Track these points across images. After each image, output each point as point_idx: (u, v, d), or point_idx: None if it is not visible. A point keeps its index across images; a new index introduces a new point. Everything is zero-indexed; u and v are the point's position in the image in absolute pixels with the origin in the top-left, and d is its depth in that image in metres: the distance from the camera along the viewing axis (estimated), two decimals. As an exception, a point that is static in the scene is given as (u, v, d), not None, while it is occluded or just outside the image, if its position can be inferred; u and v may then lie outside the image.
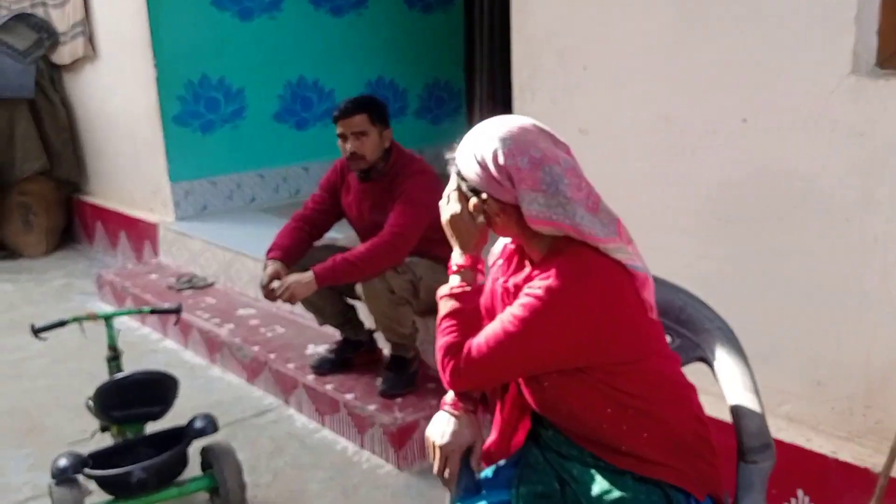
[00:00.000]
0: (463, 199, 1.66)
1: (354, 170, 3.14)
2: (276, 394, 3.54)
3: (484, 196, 1.60)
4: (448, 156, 1.70)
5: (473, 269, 1.73)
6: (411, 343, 3.20)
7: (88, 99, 6.05)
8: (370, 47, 6.22)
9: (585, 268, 1.55)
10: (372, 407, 3.08)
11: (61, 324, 2.76)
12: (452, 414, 1.71)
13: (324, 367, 3.38)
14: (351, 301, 3.36)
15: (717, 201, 2.42)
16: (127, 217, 5.70)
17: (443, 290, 1.72)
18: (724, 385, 1.82)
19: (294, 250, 3.15)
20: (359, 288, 3.03)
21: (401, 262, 3.01)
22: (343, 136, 3.07)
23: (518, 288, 1.66)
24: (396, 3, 6.32)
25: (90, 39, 5.72)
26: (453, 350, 1.64)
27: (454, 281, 1.72)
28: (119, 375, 2.66)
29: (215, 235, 4.92)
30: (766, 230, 2.32)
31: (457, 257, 1.72)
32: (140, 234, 5.54)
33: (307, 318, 3.98)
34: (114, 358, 2.79)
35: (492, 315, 1.70)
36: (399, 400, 3.11)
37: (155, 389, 2.68)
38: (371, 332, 3.47)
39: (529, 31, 2.84)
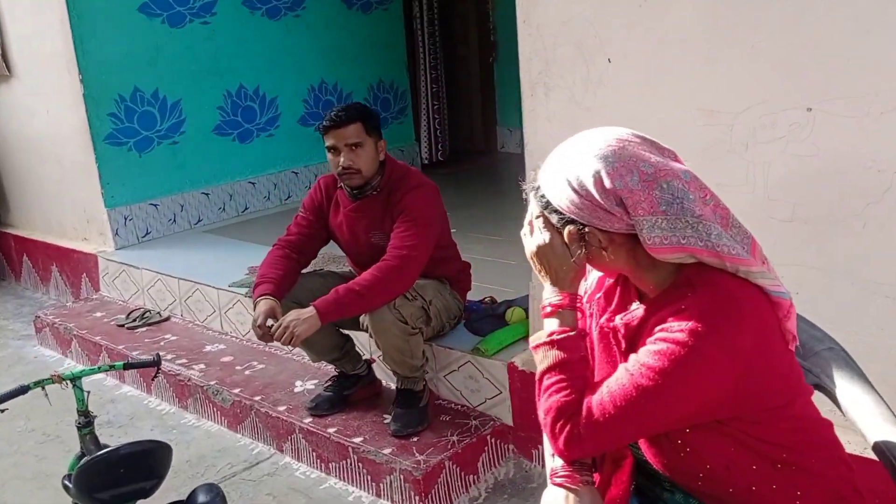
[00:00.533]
0: (552, 228, 1.37)
1: (347, 186, 2.81)
2: (266, 441, 3.16)
3: (585, 227, 1.32)
4: (524, 184, 1.43)
5: (573, 309, 1.44)
6: (422, 374, 2.89)
7: (5, 122, 5.47)
8: (311, 50, 5.85)
9: (733, 302, 1.28)
10: (387, 451, 2.75)
11: (23, 390, 2.32)
12: (571, 489, 1.40)
13: (322, 408, 3.03)
14: (346, 331, 3.02)
15: (778, 202, 2.20)
16: (59, 248, 5.17)
17: (539, 336, 1.43)
18: (857, 418, 1.57)
19: (285, 282, 2.79)
20: (364, 320, 2.69)
21: (410, 287, 2.70)
22: (334, 149, 2.73)
23: (630, 329, 1.39)
24: (335, 4, 5.97)
25: (2, 57, 5.15)
26: (568, 411, 1.35)
27: (552, 325, 1.42)
28: (104, 452, 2.25)
29: (164, 264, 4.48)
30: (839, 230, 2.10)
31: (550, 295, 1.43)
32: (76, 266, 5.02)
33: (285, 349, 3.62)
34: (86, 424, 2.39)
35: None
36: (415, 439, 2.80)
37: (144, 461, 2.29)
38: (369, 362, 3.15)
39: (539, 19, 2.56)
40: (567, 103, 2.55)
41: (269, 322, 2.62)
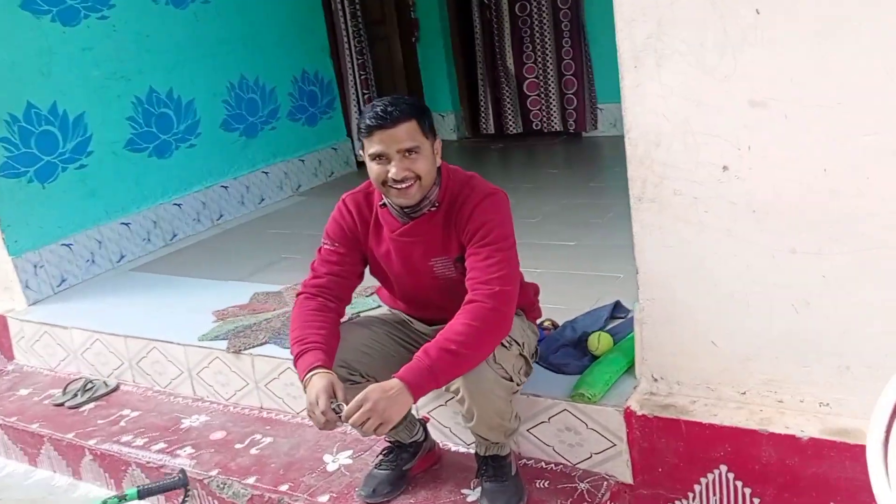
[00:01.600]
0: None
1: (399, 205, 2.13)
2: (307, 543, 2.46)
3: None
4: None
5: None
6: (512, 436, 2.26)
7: None
8: (224, 41, 5.02)
9: None
10: (493, 543, 2.13)
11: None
12: None
13: (382, 493, 2.35)
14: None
15: None
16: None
17: None
18: None
19: (332, 343, 2.10)
20: (455, 383, 2.03)
21: (510, 332, 2.06)
22: (381, 157, 2.05)
23: None
24: (246, -15, 5.15)
25: None
26: None
27: None
28: None
29: (98, 318, 3.61)
30: None
31: None
32: (-25, 333, 4.04)
33: (288, 409, 2.91)
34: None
35: None
36: (523, 520, 2.19)
37: None
38: (424, 422, 2.49)
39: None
40: (692, 73, 1.97)
41: (335, 404, 1.92)
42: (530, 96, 6.25)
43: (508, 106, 6.31)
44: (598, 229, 3.86)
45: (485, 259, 2.05)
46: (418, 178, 2.06)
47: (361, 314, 2.43)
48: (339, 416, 1.90)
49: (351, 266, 2.25)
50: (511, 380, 2.07)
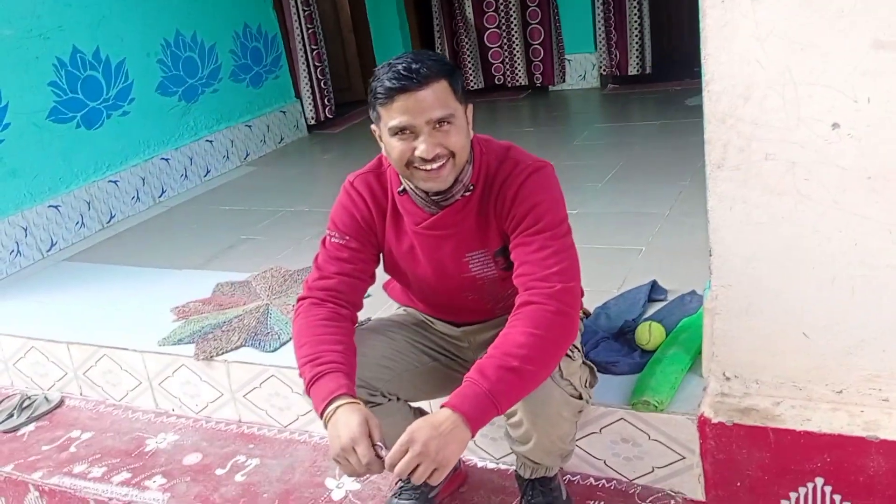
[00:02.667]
0: None
1: (422, 190, 1.70)
2: (317, 591, 2.05)
3: None
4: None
5: None
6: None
7: None
8: (157, -6, 4.42)
9: None
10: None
11: None
12: None
13: (407, 528, 1.96)
14: (415, 405, 1.96)
15: None
16: None
17: None
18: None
19: (353, 361, 1.67)
20: (516, 407, 1.64)
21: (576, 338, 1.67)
22: (406, 131, 1.60)
23: None
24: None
25: None
26: None
27: None
28: None
29: (31, 321, 3.10)
30: None
31: None
32: None
33: (273, 422, 2.49)
34: None
35: None
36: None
37: None
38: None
39: None
40: (796, 8, 1.58)
41: (384, 454, 1.49)
42: (492, 48, 5.81)
43: (468, 59, 5.85)
44: (599, 195, 3.49)
45: (538, 250, 1.64)
46: (452, 155, 1.62)
47: (371, 318, 2.00)
48: (382, 461, 1.48)
49: (364, 264, 1.81)
50: (580, 397, 1.69)
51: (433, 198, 1.71)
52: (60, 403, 2.90)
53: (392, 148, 1.63)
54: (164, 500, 2.27)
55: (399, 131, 1.60)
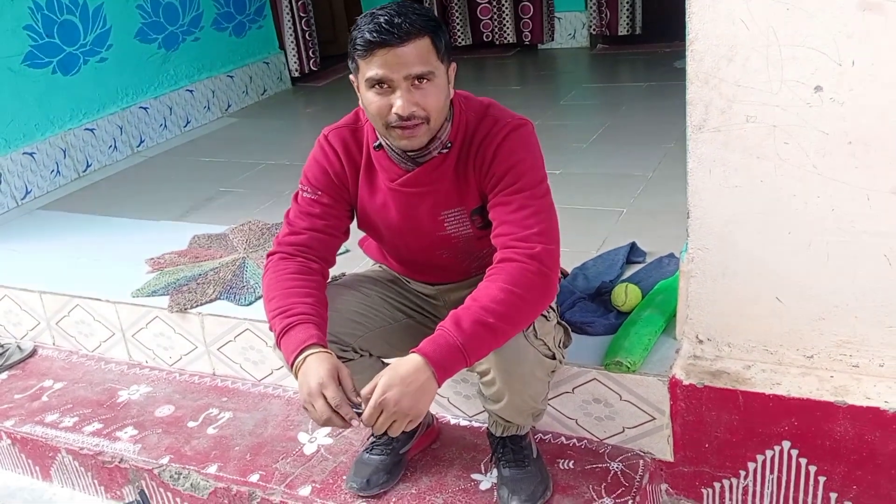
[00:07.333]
0: None
1: (398, 147, 1.66)
2: (286, 543, 2.06)
3: None
4: None
5: None
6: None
7: None
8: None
9: None
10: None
11: None
12: None
13: (377, 484, 1.96)
14: (388, 360, 1.95)
15: None
16: None
17: None
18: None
19: (324, 313, 1.66)
20: (488, 365, 1.63)
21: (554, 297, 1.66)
22: (383, 84, 1.56)
23: None
24: None
25: None
26: None
27: None
28: None
29: (3, 267, 3.06)
30: None
31: None
32: None
33: (248, 376, 2.48)
34: None
35: None
36: (554, 514, 1.84)
37: None
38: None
39: None
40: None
41: (351, 398, 1.49)
42: (481, 4, 5.71)
43: (457, 15, 5.75)
44: (584, 155, 3.46)
45: (518, 209, 1.62)
46: (427, 117, 1.59)
47: (345, 273, 1.98)
48: (358, 415, 1.48)
49: (336, 220, 1.78)
50: (553, 357, 1.68)
51: (409, 153, 1.68)
52: (33, 353, 2.88)
53: (369, 102, 1.59)
54: (135, 451, 2.27)
55: (376, 83, 1.56)
